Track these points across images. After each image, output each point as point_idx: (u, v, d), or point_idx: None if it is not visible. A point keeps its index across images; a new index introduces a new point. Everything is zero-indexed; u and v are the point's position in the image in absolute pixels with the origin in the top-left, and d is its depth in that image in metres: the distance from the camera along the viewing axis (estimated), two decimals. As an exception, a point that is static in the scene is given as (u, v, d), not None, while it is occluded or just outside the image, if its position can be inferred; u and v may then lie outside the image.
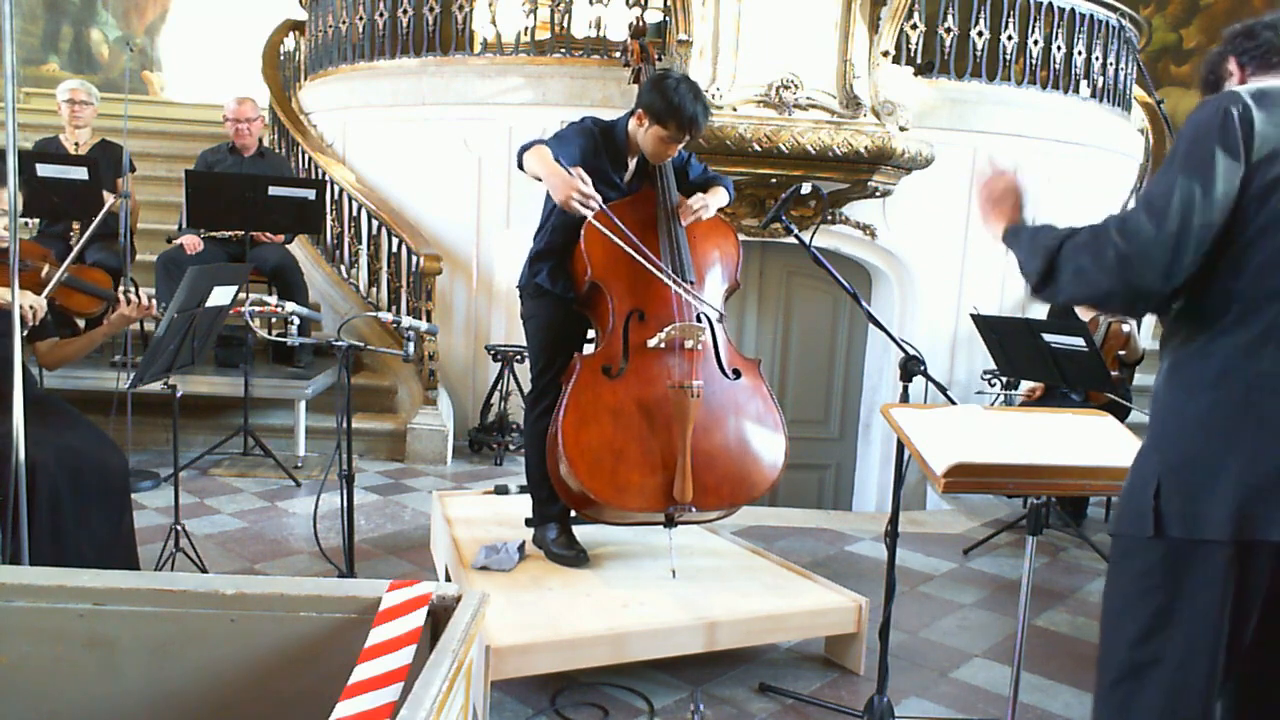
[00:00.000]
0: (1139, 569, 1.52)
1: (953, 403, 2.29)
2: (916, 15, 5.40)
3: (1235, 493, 1.41)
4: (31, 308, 2.79)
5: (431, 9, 5.68)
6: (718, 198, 3.06)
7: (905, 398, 2.40)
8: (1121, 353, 4.62)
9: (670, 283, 2.87)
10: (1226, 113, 1.46)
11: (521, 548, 3.02)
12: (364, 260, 5.78)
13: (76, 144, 5.03)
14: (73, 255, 3.42)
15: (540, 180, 2.74)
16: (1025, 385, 4.98)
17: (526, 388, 3.32)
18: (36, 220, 4.93)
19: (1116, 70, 6.09)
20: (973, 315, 4.14)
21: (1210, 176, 1.45)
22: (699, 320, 2.96)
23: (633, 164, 3.03)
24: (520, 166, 2.79)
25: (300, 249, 5.91)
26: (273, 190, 4.60)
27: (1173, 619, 1.47)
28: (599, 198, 2.66)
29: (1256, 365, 1.43)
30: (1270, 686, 1.58)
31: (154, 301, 3.06)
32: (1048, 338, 3.73)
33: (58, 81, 6.10)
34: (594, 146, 2.92)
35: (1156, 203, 1.48)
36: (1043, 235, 1.63)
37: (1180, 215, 1.45)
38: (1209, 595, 1.45)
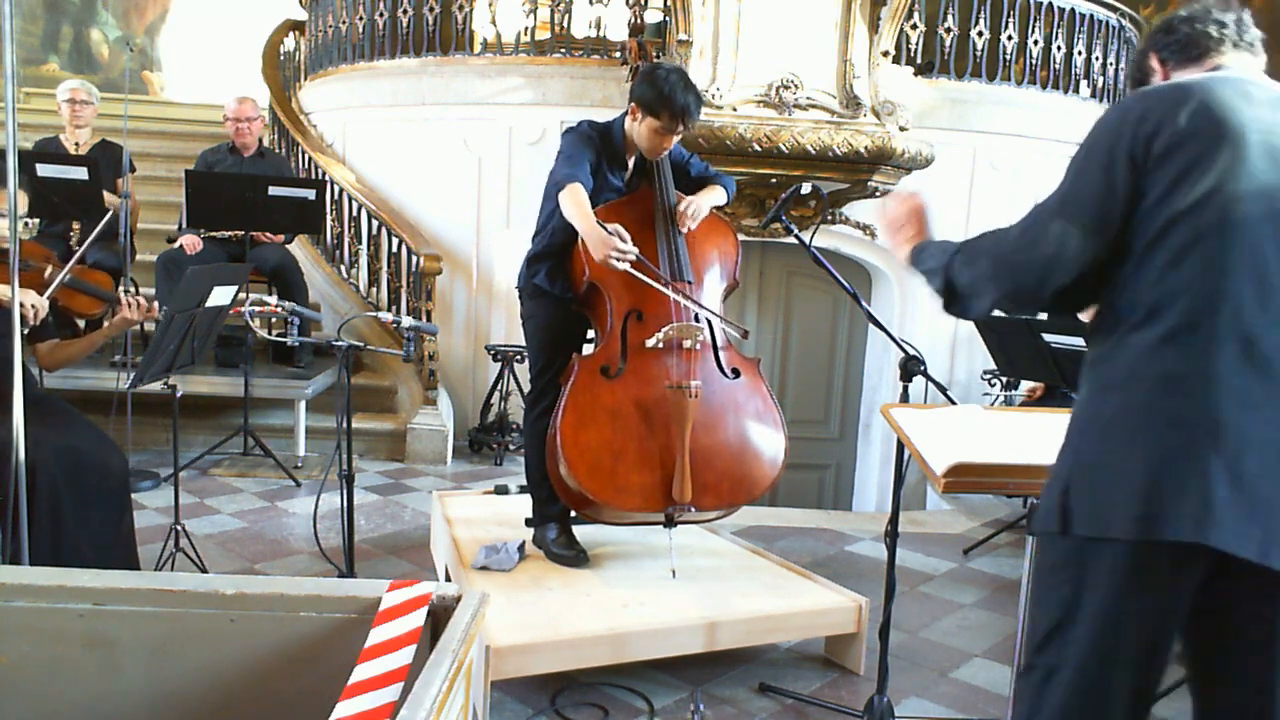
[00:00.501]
0: (1050, 564, 1.54)
1: (953, 403, 2.29)
2: (916, 15, 5.40)
3: (1139, 492, 1.40)
4: (33, 306, 2.79)
5: (431, 9, 5.68)
6: (711, 195, 3.05)
7: (905, 398, 2.40)
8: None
9: (681, 298, 2.87)
10: (1123, 118, 1.47)
11: (521, 548, 3.02)
12: (364, 260, 5.78)
13: (77, 144, 5.03)
14: (76, 257, 3.42)
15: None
16: (1025, 385, 4.97)
17: (526, 388, 3.32)
18: (36, 220, 4.93)
19: (1116, 70, 6.09)
20: (973, 315, 4.13)
21: (1094, 188, 1.46)
22: (697, 320, 2.96)
23: (631, 163, 3.03)
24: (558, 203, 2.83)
25: (300, 249, 5.90)
26: (273, 190, 4.60)
27: (1077, 615, 1.48)
28: (635, 251, 2.70)
29: (1160, 366, 1.42)
30: (1231, 704, 1.56)
31: (155, 303, 3.07)
32: (1048, 338, 3.73)
33: (58, 81, 6.10)
34: (596, 153, 2.92)
35: (1037, 218, 1.53)
36: (937, 253, 1.67)
37: (1058, 236, 1.48)
38: (1112, 594, 1.45)
